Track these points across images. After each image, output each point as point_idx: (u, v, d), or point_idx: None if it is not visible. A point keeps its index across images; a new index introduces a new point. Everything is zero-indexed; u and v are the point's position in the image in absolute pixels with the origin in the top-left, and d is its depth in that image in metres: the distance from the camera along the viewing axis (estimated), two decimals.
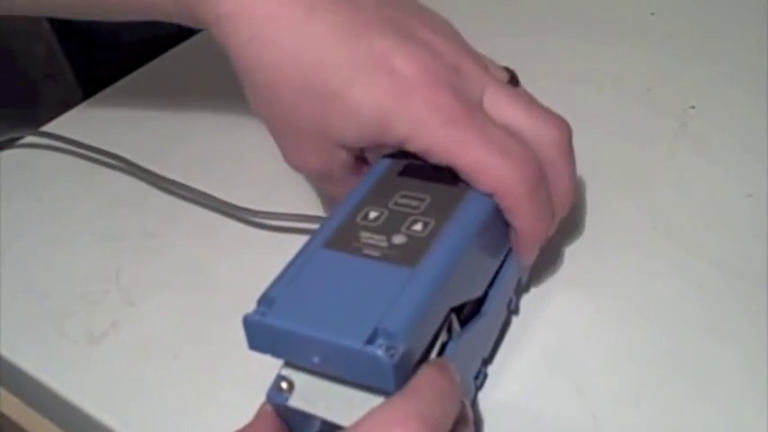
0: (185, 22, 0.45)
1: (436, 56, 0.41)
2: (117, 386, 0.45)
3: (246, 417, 0.36)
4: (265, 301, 0.36)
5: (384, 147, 0.42)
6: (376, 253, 0.37)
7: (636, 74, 0.61)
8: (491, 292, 0.41)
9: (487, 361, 0.42)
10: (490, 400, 0.41)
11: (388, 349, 0.32)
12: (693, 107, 0.57)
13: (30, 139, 0.64)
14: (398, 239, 0.37)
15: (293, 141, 0.43)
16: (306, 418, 0.36)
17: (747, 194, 0.50)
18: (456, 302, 0.38)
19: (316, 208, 0.52)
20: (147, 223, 0.54)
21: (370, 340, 0.33)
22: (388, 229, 0.38)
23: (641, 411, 0.40)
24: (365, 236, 0.38)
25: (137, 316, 0.48)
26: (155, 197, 0.56)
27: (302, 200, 0.52)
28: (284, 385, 0.37)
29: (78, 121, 0.66)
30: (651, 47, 0.64)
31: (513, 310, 0.44)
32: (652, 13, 0.68)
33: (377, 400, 0.35)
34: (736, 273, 0.46)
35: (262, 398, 0.37)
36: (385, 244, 0.37)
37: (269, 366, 0.38)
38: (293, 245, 0.49)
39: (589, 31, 0.67)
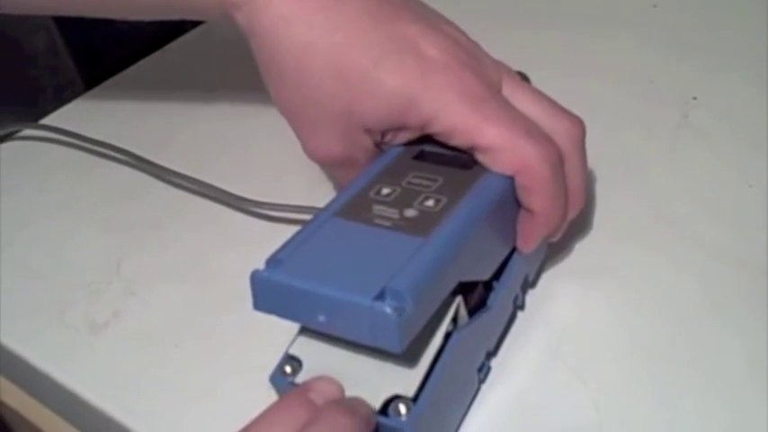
0: (207, 11, 0.45)
1: (457, 43, 0.42)
2: (118, 375, 0.45)
3: (247, 405, 0.36)
4: (273, 261, 0.36)
5: (406, 131, 0.42)
6: (387, 223, 0.37)
7: (638, 66, 0.61)
8: (497, 286, 0.41)
9: (492, 354, 0.42)
10: (494, 393, 0.41)
11: (395, 308, 0.32)
12: (695, 98, 0.57)
13: (30, 131, 0.64)
14: (410, 213, 0.38)
15: (316, 128, 0.43)
16: None
17: (749, 185, 0.50)
18: (464, 277, 0.38)
19: (320, 199, 0.52)
20: (149, 214, 0.54)
21: (378, 298, 0.33)
22: (400, 203, 0.38)
23: (644, 402, 0.40)
24: (377, 208, 0.38)
25: (138, 306, 0.48)
26: (157, 189, 0.56)
27: (306, 191, 0.52)
28: (288, 368, 0.37)
29: (79, 114, 0.65)
30: (653, 39, 0.64)
31: (518, 305, 0.44)
32: (654, 5, 0.68)
33: (382, 379, 0.36)
34: (738, 263, 0.46)
35: (263, 386, 0.37)
36: (397, 216, 0.37)
37: (270, 355, 0.38)
38: None
39: (591, 24, 0.67)
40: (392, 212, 0.38)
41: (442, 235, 0.36)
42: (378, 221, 0.37)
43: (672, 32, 0.65)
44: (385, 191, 0.39)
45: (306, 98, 0.43)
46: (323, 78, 0.41)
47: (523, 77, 0.46)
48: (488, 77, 0.42)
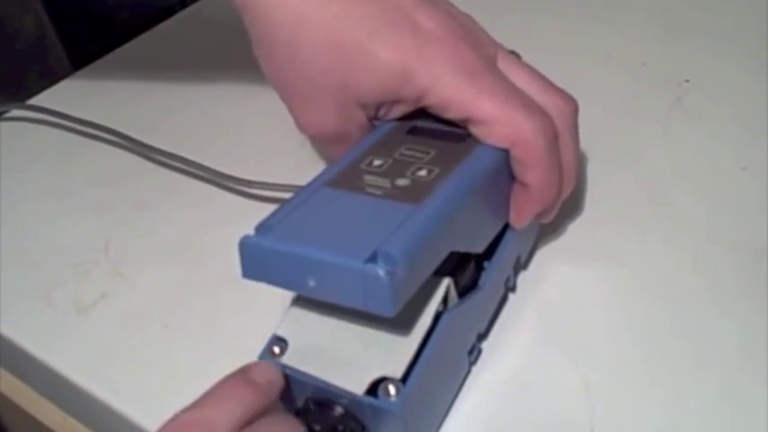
0: None
1: (454, 17, 0.42)
2: (106, 357, 0.44)
3: None
4: (263, 228, 0.35)
5: (401, 104, 0.42)
6: (379, 192, 0.37)
7: (630, 48, 0.61)
8: (489, 266, 0.41)
9: (483, 336, 0.42)
10: (484, 374, 0.41)
11: (387, 270, 0.32)
12: (688, 81, 0.57)
13: (18, 112, 0.63)
14: (402, 182, 0.37)
15: (310, 102, 0.43)
16: (298, 383, 0.36)
17: (741, 167, 0.50)
18: (456, 246, 0.37)
19: (311, 178, 0.52)
20: (138, 195, 0.54)
21: (370, 260, 0.32)
22: (392, 173, 0.38)
23: (635, 384, 0.40)
24: (369, 178, 0.38)
25: (126, 286, 0.48)
26: (146, 169, 0.56)
27: (296, 170, 0.52)
28: (276, 349, 0.37)
29: (67, 94, 0.65)
30: (645, 21, 0.64)
31: (510, 287, 0.44)
32: None
33: (370, 359, 0.35)
34: (731, 245, 0.46)
35: None
36: (388, 185, 0.37)
37: (259, 336, 0.38)
38: None
39: (583, 6, 0.66)
40: (384, 182, 0.37)
41: (435, 202, 0.36)
42: (369, 190, 0.37)
43: (664, 15, 0.64)
44: (377, 162, 0.39)
45: (299, 72, 0.42)
46: (317, 52, 0.41)
47: (516, 57, 0.46)
48: (484, 51, 0.41)
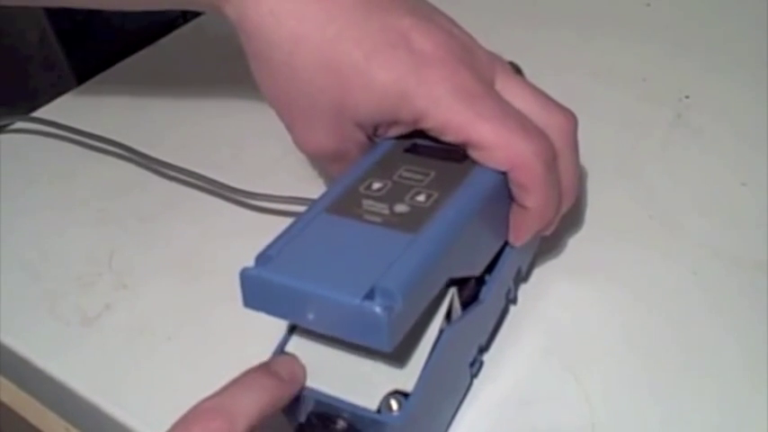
0: (198, 2, 0.45)
1: (451, 36, 0.42)
2: (110, 368, 0.44)
3: None
4: (263, 258, 0.35)
5: (399, 125, 0.42)
6: (377, 219, 0.37)
7: (631, 64, 0.62)
8: (490, 279, 0.41)
9: (484, 349, 0.42)
10: (486, 388, 0.41)
11: (384, 307, 0.32)
12: (688, 97, 0.58)
13: (22, 124, 0.63)
14: (401, 208, 0.37)
15: (307, 122, 0.43)
16: (301, 396, 0.36)
17: (742, 183, 0.51)
18: (455, 273, 0.38)
19: (312, 191, 0.52)
20: (141, 207, 0.54)
21: (368, 297, 0.32)
22: (390, 198, 0.38)
23: (637, 397, 0.40)
24: (367, 203, 0.38)
25: (130, 298, 0.48)
26: (150, 181, 0.56)
27: (299, 183, 0.52)
28: None
29: (71, 107, 0.65)
30: (646, 37, 0.64)
31: (511, 299, 0.44)
32: (647, 4, 0.68)
33: (379, 373, 0.35)
34: (731, 260, 0.46)
35: None
36: (387, 211, 0.37)
37: (263, 348, 0.38)
38: None
39: (584, 22, 0.67)
40: (382, 208, 0.37)
41: (433, 231, 0.36)
42: (368, 217, 0.37)
43: (665, 31, 0.65)
44: (375, 185, 0.39)
45: (297, 92, 0.42)
46: (314, 72, 0.41)
47: (516, 68, 0.46)
48: (482, 72, 0.41)
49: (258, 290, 0.35)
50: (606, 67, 0.61)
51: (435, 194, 0.38)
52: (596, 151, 0.47)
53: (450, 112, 0.39)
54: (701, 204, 0.50)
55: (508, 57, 0.46)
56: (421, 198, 0.38)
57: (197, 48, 0.71)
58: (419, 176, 0.39)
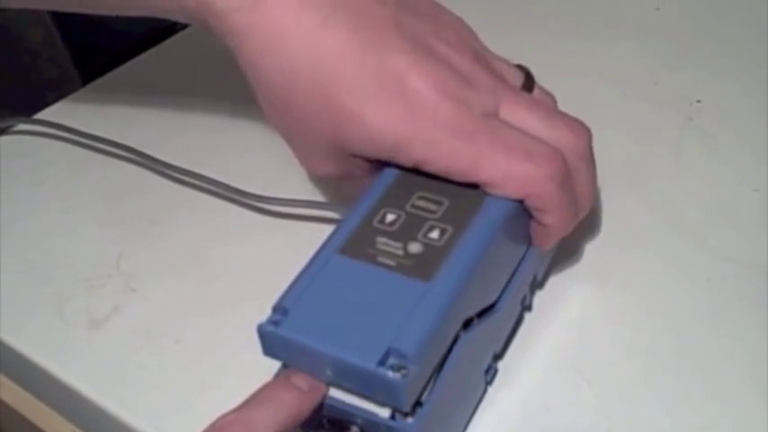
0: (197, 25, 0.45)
1: (451, 70, 0.40)
2: (118, 371, 0.44)
3: None
4: (280, 310, 0.35)
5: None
6: (391, 262, 0.36)
7: (642, 68, 0.61)
8: (505, 289, 0.41)
9: (499, 356, 0.42)
10: (501, 395, 0.41)
11: (399, 369, 0.33)
12: (699, 101, 0.57)
13: (26, 126, 0.63)
14: (414, 248, 0.37)
15: (309, 150, 0.43)
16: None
17: (753, 189, 0.50)
18: (470, 314, 0.37)
19: (322, 193, 0.52)
20: (149, 210, 0.54)
21: (383, 361, 0.33)
22: (404, 235, 0.38)
23: (652, 405, 0.40)
24: (381, 241, 0.37)
25: (138, 301, 0.48)
26: (157, 184, 0.56)
27: (308, 185, 0.52)
28: None
29: (76, 109, 0.65)
30: (656, 42, 0.64)
31: (526, 306, 0.44)
32: (657, 9, 0.67)
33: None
34: (744, 266, 0.46)
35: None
36: (401, 252, 0.37)
37: None
38: (299, 231, 0.49)
39: (595, 26, 0.66)
40: (396, 248, 0.37)
41: (446, 279, 0.36)
42: (381, 259, 0.37)
43: (675, 36, 0.64)
44: (389, 217, 0.39)
45: (294, 126, 0.42)
46: (310, 113, 0.41)
47: (525, 72, 0.45)
48: (484, 102, 0.40)
49: (275, 345, 0.35)
50: (616, 71, 0.61)
51: (450, 229, 0.38)
52: (606, 156, 0.47)
53: (450, 157, 0.39)
54: (713, 210, 0.49)
55: (517, 60, 0.45)
56: (434, 235, 0.37)
57: (203, 49, 0.70)
58: (433, 206, 0.39)
